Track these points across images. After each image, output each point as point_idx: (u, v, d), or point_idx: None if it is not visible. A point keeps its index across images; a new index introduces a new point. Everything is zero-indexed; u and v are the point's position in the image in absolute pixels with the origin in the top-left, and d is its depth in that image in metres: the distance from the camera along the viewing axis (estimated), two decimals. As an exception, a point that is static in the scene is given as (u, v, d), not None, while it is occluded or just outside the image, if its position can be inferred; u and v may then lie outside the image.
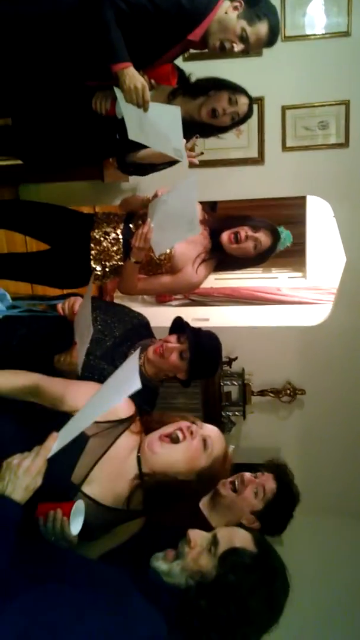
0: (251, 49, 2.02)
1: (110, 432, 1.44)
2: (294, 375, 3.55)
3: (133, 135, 1.96)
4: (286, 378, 3.55)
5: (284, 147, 3.29)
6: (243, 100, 2.15)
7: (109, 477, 1.39)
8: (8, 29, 1.84)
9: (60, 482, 1.25)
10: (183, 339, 1.91)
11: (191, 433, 1.44)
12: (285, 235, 2.33)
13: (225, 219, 2.35)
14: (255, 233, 2.24)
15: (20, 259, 2.55)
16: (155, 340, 2.06)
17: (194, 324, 2.12)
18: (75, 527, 1.24)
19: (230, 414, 3.60)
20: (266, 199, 3.76)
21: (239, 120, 2.22)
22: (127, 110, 1.88)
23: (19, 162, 2.73)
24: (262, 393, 3.54)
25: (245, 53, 2.02)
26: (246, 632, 1.18)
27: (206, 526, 1.76)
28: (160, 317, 2.46)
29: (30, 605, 1.03)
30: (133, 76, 1.78)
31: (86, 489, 1.36)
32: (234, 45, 1.96)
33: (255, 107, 3.09)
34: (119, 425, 1.47)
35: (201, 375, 2.02)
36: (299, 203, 4.76)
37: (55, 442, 1.21)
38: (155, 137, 1.94)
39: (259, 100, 3.20)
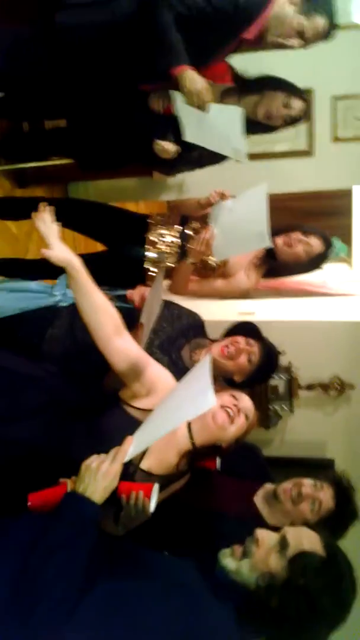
0: (308, 43, 1.99)
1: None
2: (342, 370, 3.50)
3: (189, 136, 1.96)
4: (334, 373, 3.51)
5: (334, 138, 3.23)
6: (298, 105, 2.11)
7: (161, 449, 1.48)
8: (68, 37, 1.87)
9: None
10: (252, 342, 1.92)
11: (238, 411, 1.55)
12: (340, 246, 2.32)
13: (277, 226, 2.33)
14: (307, 237, 2.23)
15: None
16: (208, 342, 2.08)
17: (239, 318, 2.13)
18: (152, 505, 1.32)
19: (277, 407, 3.59)
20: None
21: (290, 123, 2.19)
22: (184, 112, 1.88)
23: (69, 161, 2.78)
24: (309, 387, 3.52)
25: (302, 48, 1.99)
26: (315, 629, 1.22)
27: (259, 519, 1.80)
28: (204, 310, 2.43)
29: (105, 600, 1.10)
30: (193, 78, 1.78)
31: (143, 464, 1.44)
32: (292, 40, 1.94)
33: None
34: None
35: (258, 381, 2.03)
36: (345, 193, 4.65)
37: (131, 447, 1.25)
38: (213, 138, 1.93)
39: (308, 92, 3.14)
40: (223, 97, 2.13)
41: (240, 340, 1.94)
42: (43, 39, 1.92)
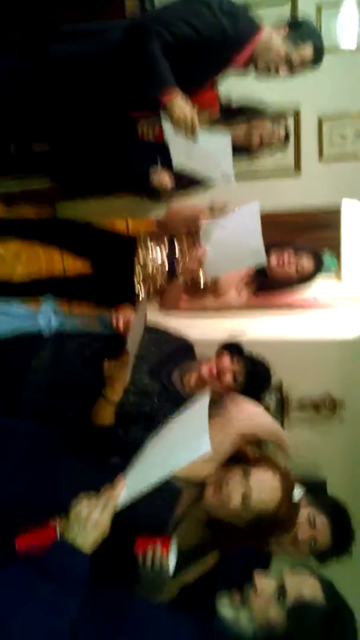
0: (296, 70, 2.00)
1: (196, 487, 1.48)
2: (333, 388, 3.49)
3: (178, 164, 1.96)
4: (326, 390, 3.50)
5: (321, 157, 3.25)
6: (282, 132, 2.25)
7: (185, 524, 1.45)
8: (62, 67, 1.87)
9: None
10: (236, 359, 1.88)
11: None
12: (330, 260, 2.33)
13: (267, 242, 2.32)
14: (298, 257, 2.23)
15: (64, 283, 2.57)
16: (198, 364, 2.05)
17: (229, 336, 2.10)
18: (172, 563, 1.28)
19: (268, 427, 3.56)
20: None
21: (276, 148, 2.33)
22: (173, 139, 1.87)
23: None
24: (301, 407, 3.50)
25: (290, 75, 2.00)
26: None
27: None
28: (193, 328, 2.39)
29: None
30: (182, 105, 1.78)
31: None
32: (279, 67, 1.95)
33: (291, 118, 3.09)
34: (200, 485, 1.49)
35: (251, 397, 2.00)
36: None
37: (123, 494, 1.21)
38: (202, 163, 1.93)
39: (295, 112, 3.17)
40: (211, 124, 2.15)
41: (226, 359, 1.90)
42: (36, 69, 1.92)
